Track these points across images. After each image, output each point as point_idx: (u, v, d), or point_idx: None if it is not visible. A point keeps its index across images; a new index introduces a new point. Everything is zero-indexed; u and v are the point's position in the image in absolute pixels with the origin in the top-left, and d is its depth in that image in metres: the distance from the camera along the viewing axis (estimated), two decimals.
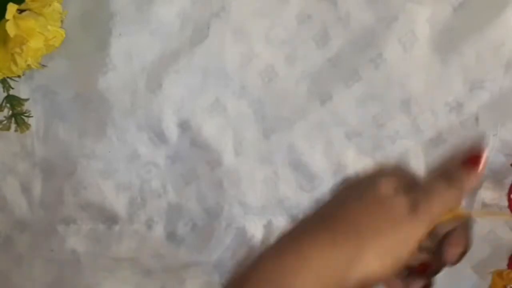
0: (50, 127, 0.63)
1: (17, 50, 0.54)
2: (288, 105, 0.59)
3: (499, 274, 0.60)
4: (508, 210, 0.38)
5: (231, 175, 0.61)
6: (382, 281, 0.34)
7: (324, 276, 0.32)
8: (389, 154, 0.56)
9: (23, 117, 0.62)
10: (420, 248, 0.36)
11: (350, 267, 0.32)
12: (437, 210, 0.36)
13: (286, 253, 0.32)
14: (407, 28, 0.57)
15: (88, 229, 0.65)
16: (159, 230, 0.64)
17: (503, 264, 0.60)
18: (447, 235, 0.36)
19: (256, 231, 0.64)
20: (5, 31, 0.52)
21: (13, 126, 0.62)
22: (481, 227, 0.58)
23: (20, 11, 0.54)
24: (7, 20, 0.52)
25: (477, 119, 0.57)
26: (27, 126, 0.62)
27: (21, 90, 0.62)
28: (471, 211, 0.39)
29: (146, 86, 0.61)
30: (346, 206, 0.36)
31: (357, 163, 0.60)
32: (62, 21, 0.57)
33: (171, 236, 0.64)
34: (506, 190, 0.57)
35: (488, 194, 0.58)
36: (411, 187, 0.36)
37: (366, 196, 0.36)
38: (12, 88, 0.61)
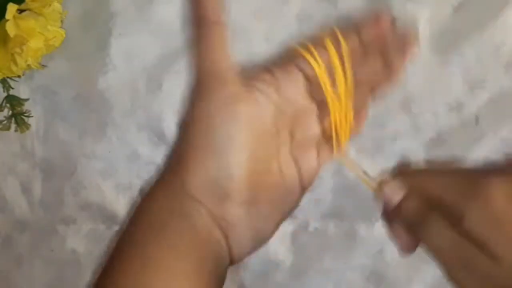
0: (50, 127, 0.63)
1: (17, 50, 0.54)
2: None
3: None
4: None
5: None
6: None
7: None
8: (389, 154, 0.56)
9: (23, 117, 0.62)
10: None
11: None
12: (214, 61, 0.35)
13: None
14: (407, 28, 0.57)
15: (88, 229, 0.65)
16: None
17: None
18: None
19: None
20: (5, 31, 0.52)
21: (13, 126, 0.62)
22: None
23: (20, 11, 0.54)
24: (7, 20, 0.52)
25: (477, 119, 0.57)
26: (27, 126, 0.62)
27: (21, 90, 0.62)
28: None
29: (146, 86, 0.61)
30: None
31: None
32: (62, 21, 0.58)
33: None
34: None
35: None
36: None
37: None
38: (12, 88, 0.61)
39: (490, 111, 0.57)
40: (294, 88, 0.37)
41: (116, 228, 0.68)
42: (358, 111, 0.38)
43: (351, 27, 0.38)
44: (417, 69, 0.57)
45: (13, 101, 0.61)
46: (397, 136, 0.58)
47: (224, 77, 0.35)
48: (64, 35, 0.58)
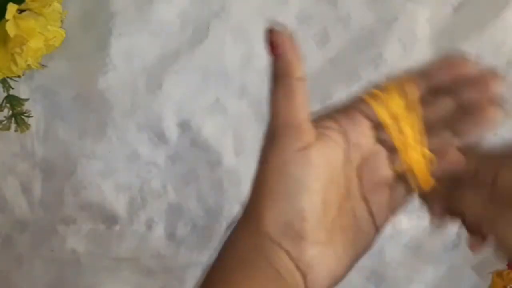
0: (50, 127, 0.63)
1: (17, 50, 0.54)
2: None
3: (499, 274, 0.60)
4: None
5: (231, 175, 0.62)
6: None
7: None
8: None
9: (23, 117, 0.62)
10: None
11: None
12: (279, 113, 0.36)
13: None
14: (407, 28, 0.57)
15: (88, 229, 0.65)
16: (159, 230, 0.64)
17: (503, 264, 0.60)
18: None
19: None
20: (5, 31, 0.52)
21: (13, 126, 0.62)
22: None
23: (20, 11, 0.54)
24: (7, 20, 0.52)
25: None
26: (27, 126, 0.62)
27: (21, 90, 0.62)
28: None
29: (146, 86, 0.61)
30: None
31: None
32: (62, 21, 0.58)
33: (171, 236, 0.64)
34: None
35: None
36: None
37: None
38: (12, 88, 0.61)
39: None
40: (360, 134, 0.40)
41: (116, 228, 0.68)
42: (442, 151, 0.39)
43: (420, 73, 0.40)
44: None
45: (13, 101, 0.61)
46: None
47: (301, 128, 0.37)
48: (64, 35, 0.58)
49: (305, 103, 0.37)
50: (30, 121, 0.63)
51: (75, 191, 0.64)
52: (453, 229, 0.39)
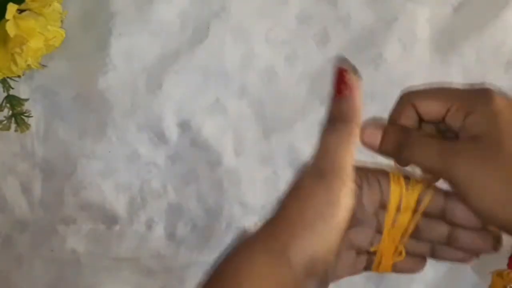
0: (50, 127, 0.63)
1: (17, 50, 0.54)
2: (288, 105, 0.59)
3: (499, 274, 0.60)
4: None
5: (231, 175, 0.62)
6: (329, 259, 0.36)
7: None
8: None
9: (23, 117, 0.62)
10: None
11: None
12: (339, 159, 0.36)
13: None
14: (407, 28, 0.57)
15: (88, 229, 0.65)
16: (159, 230, 0.64)
17: (503, 264, 0.60)
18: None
19: None
20: (5, 31, 0.52)
21: (13, 126, 0.62)
22: None
23: (20, 11, 0.54)
24: (7, 20, 0.52)
25: None
26: (27, 126, 0.62)
27: (21, 90, 0.62)
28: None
29: (146, 86, 0.61)
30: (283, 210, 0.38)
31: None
32: (62, 21, 0.58)
33: (171, 236, 0.64)
34: None
35: None
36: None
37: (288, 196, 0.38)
38: (12, 88, 0.61)
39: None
40: (370, 200, 0.40)
41: (116, 228, 0.68)
42: (413, 260, 0.42)
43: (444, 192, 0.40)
44: (417, 69, 0.57)
45: (13, 101, 0.61)
46: None
47: (350, 174, 0.37)
48: (64, 35, 0.58)
49: (353, 149, 0.37)
50: (30, 121, 0.63)
51: (75, 191, 0.64)
52: None
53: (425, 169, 0.38)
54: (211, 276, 0.36)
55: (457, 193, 0.36)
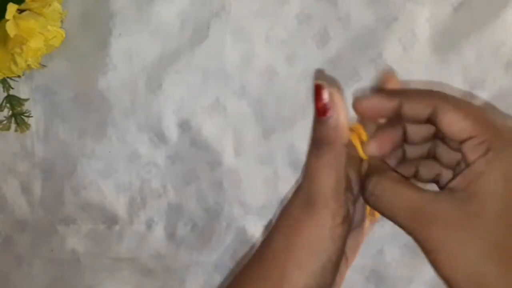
0: (50, 127, 0.63)
1: (17, 50, 0.54)
2: (288, 105, 0.59)
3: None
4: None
5: (231, 175, 0.62)
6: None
7: None
8: None
9: (23, 117, 0.62)
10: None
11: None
12: (325, 187, 0.33)
13: None
14: (407, 28, 0.57)
15: (88, 229, 0.65)
16: (159, 230, 0.64)
17: None
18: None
19: (256, 231, 0.64)
20: (5, 31, 0.52)
21: (13, 126, 0.62)
22: None
23: (20, 11, 0.54)
24: (7, 20, 0.52)
25: None
26: (27, 126, 0.62)
27: (21, 90, 0.62)
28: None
29: (146, 86, 0.61)
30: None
31: None
32: (62, 21, 0.58)
33: (171, 236, 0.64)
34: None
35: None
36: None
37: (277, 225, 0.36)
38: (12, 88, 0.61)
39: (490, 111, 0.57)
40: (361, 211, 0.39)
41: (116, 228, 0.68)
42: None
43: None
44: (417, 69, 0.57)
45: (13, 101, 0.61)
46: None
47: (340, 202, 0.34)
48: (64, 35, 0.58)
49: (341, 170, 0.34)
50: (30, 121, 0.63)
51: (75, 191, 0.64)
52: None
53: (391, 220, 0.34)
54: None
55: (425, 253, 0.31)
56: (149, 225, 0.64)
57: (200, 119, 0.61)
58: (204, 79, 0.60)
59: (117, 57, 0.61)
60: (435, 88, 0.58)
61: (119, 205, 0.64)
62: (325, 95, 0.32)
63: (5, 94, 0.61)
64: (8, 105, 0.61)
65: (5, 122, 0.61)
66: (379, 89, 0.39)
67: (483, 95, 0.57)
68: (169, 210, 0.64)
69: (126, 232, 0.65)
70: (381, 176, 0.34)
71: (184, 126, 0.62)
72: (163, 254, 0.65)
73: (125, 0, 0.60)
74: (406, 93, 0.36)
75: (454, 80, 0.57)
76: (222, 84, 0.60)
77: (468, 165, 0.31)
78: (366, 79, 0.58)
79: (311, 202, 0.34)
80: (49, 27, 0.55)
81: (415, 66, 0.57)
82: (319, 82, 0.32)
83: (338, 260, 0.34)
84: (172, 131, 0.62)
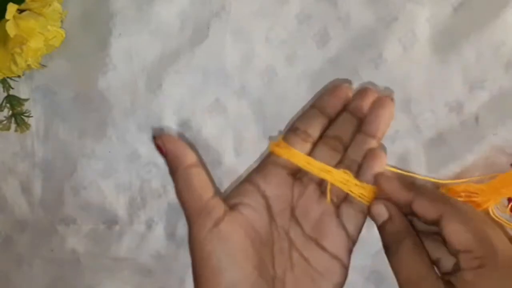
0: (50, 127, 0.63)
1: (17, 50, 0.54)
2: (288, 105, 0.59)
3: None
4: None
5: (231, 175, 0.61)
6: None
7: None
8: (389, 154, 0.56)
9: (23, 117, 0.62)
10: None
11: None
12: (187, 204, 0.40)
13: None
14: (407, 28, 0.57)
15: (88, 229, 0.65)
16: (159, 230, 0.64)
17: None
18: None
19: None
20: (5, 31, 0.52)
21: (13, 126, 0.62)
22: None
23: (20, 11, 0.54)
24: (7, 20, 0.52)
25: (477, 119, 0.57)
26: (27, 126, 0.62)
27: (21, 90, 0.62)
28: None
29: (146, 86, 0.61)
30: None
31: None
32: (62, 21, 0.58)
33: (171, 236, 0.64)
34: None
35: None
36: None
37: None
38: (12, 88, 0.61)
39: (490, 111, 0.57)
40: (276, 185, 0.41)
41: (116, 228, 0.68)
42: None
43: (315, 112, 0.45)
44: (417, 69, 0.57)
45: (13, 101, 0.61)
46: (396, 136, 0.58)
47: (208, 208, 0.39)
48: (64, 35, 0.58)
49: (205, 184, 0.40)
50: (30, 121, 0.63)
51: (75, 191, 0.64)
52: None
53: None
54: None
55: None
56: (149, 225, 0.64)
57: (200, 119, 0.61)
58: (204, 79, 0.60)
59: (117, 57, 0.61)
60: (436, 90, 0.58)
61: (119, 205, 0.64)
62: (158, 139, 0.42)
63: (5, 94, 0.61)
64: (8, 105, 0.61)
65: (5, 122, 0.61)
66: (399, 177, 0.43)
67: (483, 95, 0.57)
68: (169, 210, 0.64)
69: (126, 232, 0.65)
70: (401, 243, 0.38)
71: (184, 126, 0.62)
72: (163, 254, 0.65)
73: (125, 0, 0.60)
74: (420, 191, 0.40)
75: (454, 80, 0.57)
76: (222, 84, 0.60)
77: (460, 269, 0.35)
78: (366, 79, 0.58)
79: (188, 223, 0.40)
80: (49, 27, 0.55)
81: (415, 66, 0.57)
82: (153, 135, 0.41)
83: (231, 259, 0.38)
84: (172, 131, 0.62)
